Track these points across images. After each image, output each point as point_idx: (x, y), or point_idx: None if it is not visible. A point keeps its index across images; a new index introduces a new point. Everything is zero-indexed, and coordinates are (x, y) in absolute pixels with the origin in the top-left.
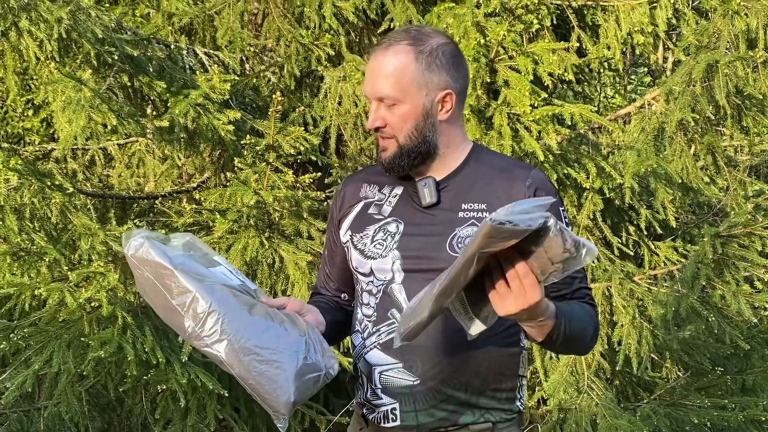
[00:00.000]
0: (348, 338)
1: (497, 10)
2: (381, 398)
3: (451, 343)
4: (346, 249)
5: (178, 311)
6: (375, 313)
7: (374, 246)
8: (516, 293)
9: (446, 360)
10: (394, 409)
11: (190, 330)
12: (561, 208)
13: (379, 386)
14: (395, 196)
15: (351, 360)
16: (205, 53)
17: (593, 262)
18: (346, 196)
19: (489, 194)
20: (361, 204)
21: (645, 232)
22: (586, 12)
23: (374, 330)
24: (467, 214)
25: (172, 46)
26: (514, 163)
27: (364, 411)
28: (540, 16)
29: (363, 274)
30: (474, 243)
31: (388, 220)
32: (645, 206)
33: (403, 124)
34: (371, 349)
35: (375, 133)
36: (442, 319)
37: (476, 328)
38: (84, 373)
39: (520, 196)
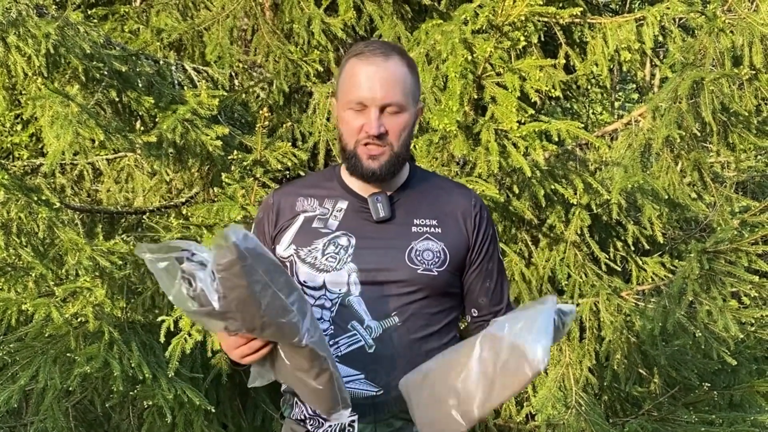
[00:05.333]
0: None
1: (484, 27)
2: None
3: (410, 353)
4: (289, 264)
5: (291, 310)
6: (332, 327)
7: (326, 259)
8: None
9: (406, 369)
10: (353, 421)
11: (307, 325)
12: (492, 228)
13: None
14: (340, 210)
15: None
16: (194, 69)
17: (581, 277)
18: (281, 210)
19: (437, 211)
20: (301, 218)
21: (632, 248)
22: (573, 29)
23: (331, 343)
24: (420, 229)
25: (161, 62)
26: (452, 182)
27: (309, 427)
28: (527, 33)
29: (313, 288)
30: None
31: (337, 233)
32: (632, 222)
33: (401, 132)
34: None
35: (371, 140)
36: (403, 330)
37: None
38: (70, 388)
39: (468, 214)
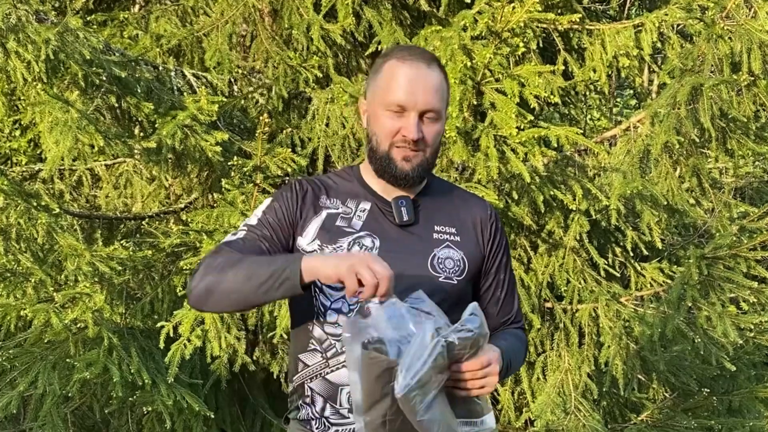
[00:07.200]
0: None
1: (484, 34)
2: (346, 417)
3: None
4: None
5: None
6: None
7: None
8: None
9: None
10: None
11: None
12: (506, 238)
13: (346, 406)
14: (363, 210)
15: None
16: (194, 75)
17: (580, 283)
18: (307, 199)
19: (456, 219)
20: (325, 214)
21: (631, 254)
22: (572, 35)
23: (343, 350)
24: (441, 236)
25: (160, 68)
26: (467, 192)
27: (315, 429)
28: (526, 40)
29: (333, 289)
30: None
31: (362, 234)
32: (631, 228)
33: (436, 138)
34: (337, 368)
35: (408, 145)
36: None
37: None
38: (69, 394)
39: (484, 223)
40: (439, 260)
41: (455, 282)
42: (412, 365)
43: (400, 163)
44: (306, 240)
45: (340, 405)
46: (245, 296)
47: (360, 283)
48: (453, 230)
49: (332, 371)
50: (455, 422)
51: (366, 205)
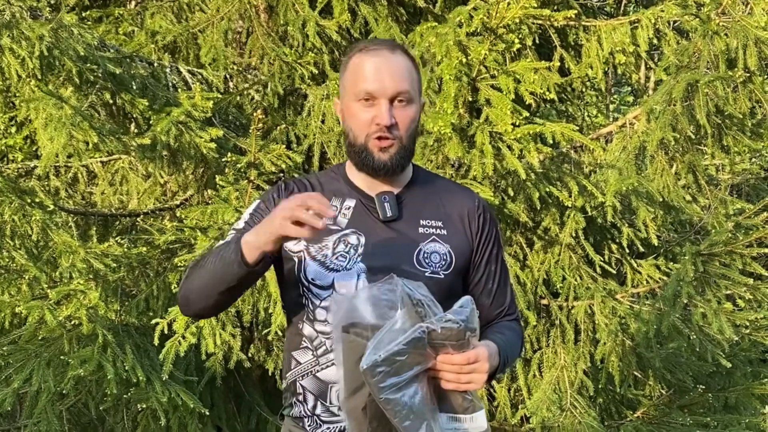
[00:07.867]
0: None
1: (479, 30)
2: (337, 415)
3: None
4: (297, 259)
5: None
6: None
7: (337, 258)
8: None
9: None
10: None
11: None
12: (496, 229)
13: (335, 404)
14: (348, 208)
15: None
16: (189, 71)
17: (575, 280)
18: None
19: (442, 212)
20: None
21: (627, 250)
22: (568, 32)
23: (334, 347)
24: (427, 231)
25: (155, 64)
26: (455, 184)
27: (307, 427)
28: (521, 36)
29: (321, 287)
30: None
31: (347, 231)
32: (627, 224)
33: (410, 124)
34: (328, 366)
35: (383, 132)
36: None
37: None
38: (64, 391)
39: (471, 215)
40: (425, 255)
41: (442, 276)
42: (383, 343)
43: (378, 155)
44: (292, 240)
45: (330, 403)
46: (210, 289)
47: (299, 224)
48: (439, 224)
49: (322, 369)
50: (436, 415)
51: (351, 203)
